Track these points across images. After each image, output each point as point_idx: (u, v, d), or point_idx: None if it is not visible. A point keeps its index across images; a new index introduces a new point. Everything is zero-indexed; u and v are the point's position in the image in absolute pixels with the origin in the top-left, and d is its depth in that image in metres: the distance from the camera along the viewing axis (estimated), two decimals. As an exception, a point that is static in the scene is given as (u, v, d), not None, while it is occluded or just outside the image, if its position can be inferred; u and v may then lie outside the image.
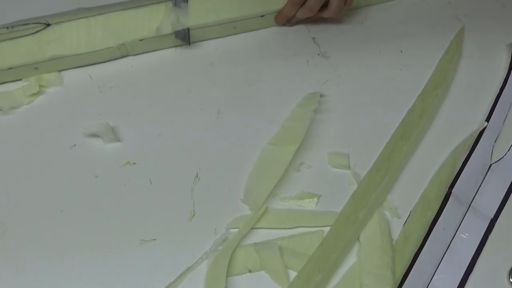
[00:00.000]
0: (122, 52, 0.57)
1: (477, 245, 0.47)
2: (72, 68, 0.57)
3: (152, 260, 0.46)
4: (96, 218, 0.48)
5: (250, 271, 0.46)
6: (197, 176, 0.51)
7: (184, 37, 0.58)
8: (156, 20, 0.56)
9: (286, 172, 0.50)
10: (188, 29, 0.57)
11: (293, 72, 0.58)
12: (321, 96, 0.56)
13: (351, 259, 0.47)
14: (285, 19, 0.59)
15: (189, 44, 0.58)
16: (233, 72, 0.58)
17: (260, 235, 0.48)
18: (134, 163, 0.51)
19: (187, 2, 0.57)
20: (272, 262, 0.45)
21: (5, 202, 0.49)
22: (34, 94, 0.54)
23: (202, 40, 0.60)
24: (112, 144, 0.52)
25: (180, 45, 0.59)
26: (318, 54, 0.60)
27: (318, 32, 0.62)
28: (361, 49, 0.61)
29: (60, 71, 0.56)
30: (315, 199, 0.50)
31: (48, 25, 0.55)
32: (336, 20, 0.62)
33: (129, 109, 0.55)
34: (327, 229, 0.48)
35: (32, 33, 0.54)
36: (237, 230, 0.47)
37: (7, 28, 0.54)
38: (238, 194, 0.50)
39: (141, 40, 0.56)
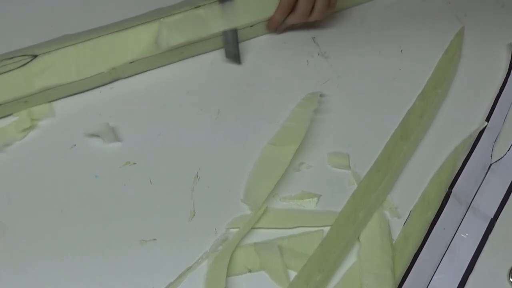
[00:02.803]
0: (113, 76, 0.56)
1: (477, 245, 0.47)
2: (63, 97, 0.55)
3: (152, 260, 0.46)
4: (96, 218, 0.48)
5: (250, 271, 0.46)
6: (197, 176, 0.51)
7: (235, 57, 0.58)
8: (145, 40, 0.55)
9: (286, 172, 0.50)
10: (238, 50, 0.58)
11: (293, 72, 0.58)
12: (321, 96, 0.56)
13: (351, 259, 0.47)
14: (276, 25, 0.59)
15: (240, 63, 0.58)
16: (233, 72, 0.58)
17: (260, 235, 0.48)
18: (134, 163, 0.51)
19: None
20: (272, 262, 0.45)
21: (5, 202, 0.49)
22: (26, 129, 0.52)
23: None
24: (112, 144, 0.52)
25: (169, 63, 0.58)
26: (318, 54, 0.60)
27: (318, 32, 0.62)
28: (361, 49, 0.61)
29: (50, 101, 0.55)
30: (315, 199, 0.50)
31: (35, 56, 0.53)
32: (335, 19, 0.62)
33: (129, 109, 0.55)
34: (327, 229, 0.48)
35: (19, 66, 0.52)
36: (237, 230, 0.47)
37: None
38: (238, 194, 0.50)
39: (131, 62, 0.55)
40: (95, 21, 0.56)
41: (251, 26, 0.58)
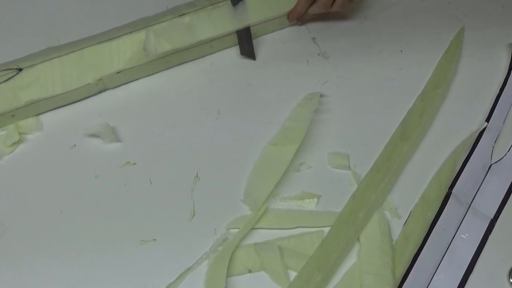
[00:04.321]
0: (100, 87, 0.55)
1: (477, 245, 0.47)
2: (51, 110, 0.55)
3: (152, 260, 0.46)
4: (96, 218, 0.48)
5: (250, 271, 0.46)
6: (197, 176, 0.51)
7: (250, 53, 0.58)
8: (131, 50, 0.55)
9: (286, 172, 0.50)
10: (252, 45, 0.58)
11: (293, 72, 0.58)
12: (321, 96, 0.56)
13: (351, 259, 0.47)
14: (298, 15, 0.59)
15: (255, 59, 0.59)
16: (233, 72, 0.58)
17: (260, 235, 0.48)
18: (134, 163, 0.51)
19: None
20: (272, 262, 0.45)
21: (5, 202, 0.49)
22: (14, 143, 0.52)
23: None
24: (112, 144, 0.52)
25: (156, 72, 0.58)
26: (318, 54, 0.60)
27: (318, 32, 0.62)
28: (361, 49, 0.61)
29: (38, 115, 0.54)
30: (315, 199, 0.50)
31: (20, 69, 0.52)
32: (338, 18, 0.62)
33: (129, 109, 0.55)
34: (327, 229, 0.48)
35: (5, 80, 0.52)
36: (237, 230, 0.47)
37: None
38: (238, 194, 0.50)
39: (118, 72, 0.55)
40: (80, 33, 0.56)
41: (262, 23, 0.59)
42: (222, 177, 0.51)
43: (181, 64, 0.58)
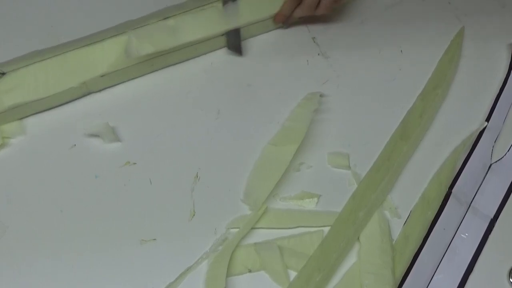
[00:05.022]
0: (84, 90, 0.55)
1: (477, 245, 0.47)
2: (34, 114, 0.54)
3: (152, 260, 0.46)
4: (96, 218, 0.48)
5: (250, 271, 0.46)
6: (197, 176, 0.51)
7: (237, 48, 0.58)
8: (114, 54, 0.55)
9: (286, 172, 0.50)
10: (240, 41, 0.58)
11: (293, 72, 0.58)
12: (321, 96, 0.56)
13: (351, 259, 0.47)
14: (283, 18, 0.59)
15: (241, 55, 0.58)
16: (233, 72, 0.58)
17: (260, 235, 0.48)
18: (134, 163, 0.51)
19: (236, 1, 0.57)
20: (272, 262, 0.45)
21: (5, 202, 0.49)
22: None
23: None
24: (112, 144, 0.52)
25: (141, 76, 0.57)
26: (318, 54, 0.60)
27: (318, 32, 0.62)
28: (361, 49, 0.61)
29: (21, 119, 0.54)
30: (315, 199, 0.50)
31: (3, 73, 0.52)
32: (335, 19, 0.62)
33: (129, 109, 0.55)
34: (327, 229, 0.48)
35: None
36: (237, 230, 0.47)
37: None
38: (238, 194, 0.50)
39: (102, 76, 0.54)
40: (63, 36, 0.55)
41: (253, 24, 0.59)
42: (222, 177, 0.51)
43: (168, 66, 0.58)
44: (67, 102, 0.55)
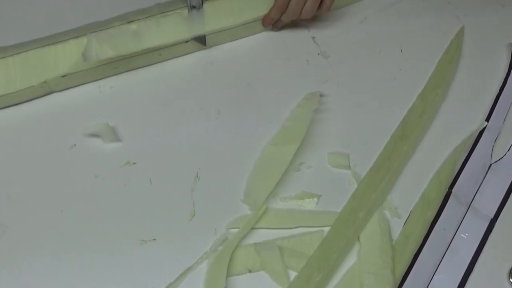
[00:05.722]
0: (46, 90, 0.55)
1: (477, 245, 0.47)
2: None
3: (152, 260, 0.46)
4: (96, 218, 0.48)
5: (250, 271, 0.46)
6: (197, 176, 0.51)
7: (201, 39, 0.58)
8: (77, 54, 0.54)
9: (286, 172, 0.50)
10: (204, 34, 0.58)
11: (293, 72, 0.58)
12: (321, 95, 0.56)
13: (351, 259, 0.47)
14: (271, 22, 0.60)
15: (206, 45, 0.58)
16: (233, 72, 0.58)
17: (260, 235, 0.48)
18: (134, 163, 0.51)
19: (201, 7, 0.57)
20: (272, 262, 0.45)
21: (5, 202, 0.49)
22: None
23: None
24: (112, 144, 0.52)
25: (104, 78, 0.57)
26: (318, 54, 0.60)
27: (318, 32, 0.62)
28: (361, 49, 0.61)
29: None
30: (315, 199, 0.50)
31: None
32: (335, 19, 0.62)
33: (129, 109, 0.55)
34: (327, 229, 0.48)
35: None
36: (237, 230, 0.47)
37: None
38: (238, 194, 0.50)
39: (63, 76, 0.54)
40: (25, 35, 0.55)
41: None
42: (222, 177, 0.51)
43: (142, 67, 0.58)
44: (29, 100, 0.55)
